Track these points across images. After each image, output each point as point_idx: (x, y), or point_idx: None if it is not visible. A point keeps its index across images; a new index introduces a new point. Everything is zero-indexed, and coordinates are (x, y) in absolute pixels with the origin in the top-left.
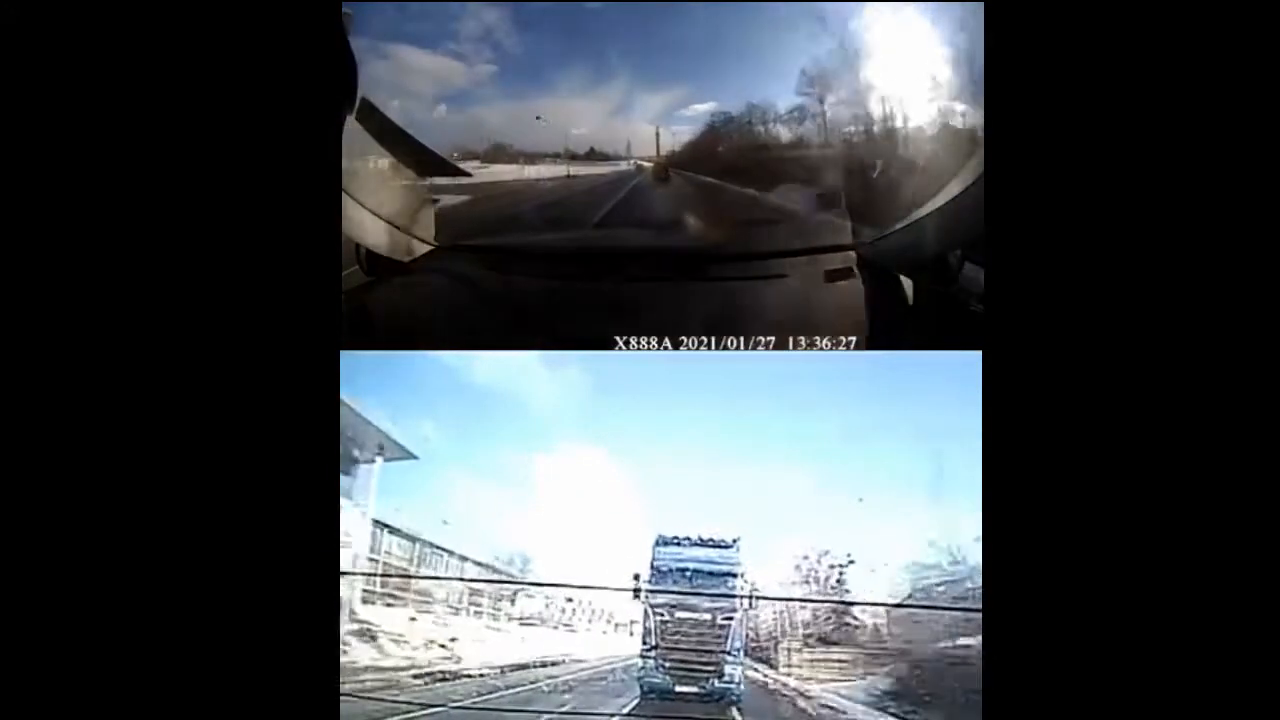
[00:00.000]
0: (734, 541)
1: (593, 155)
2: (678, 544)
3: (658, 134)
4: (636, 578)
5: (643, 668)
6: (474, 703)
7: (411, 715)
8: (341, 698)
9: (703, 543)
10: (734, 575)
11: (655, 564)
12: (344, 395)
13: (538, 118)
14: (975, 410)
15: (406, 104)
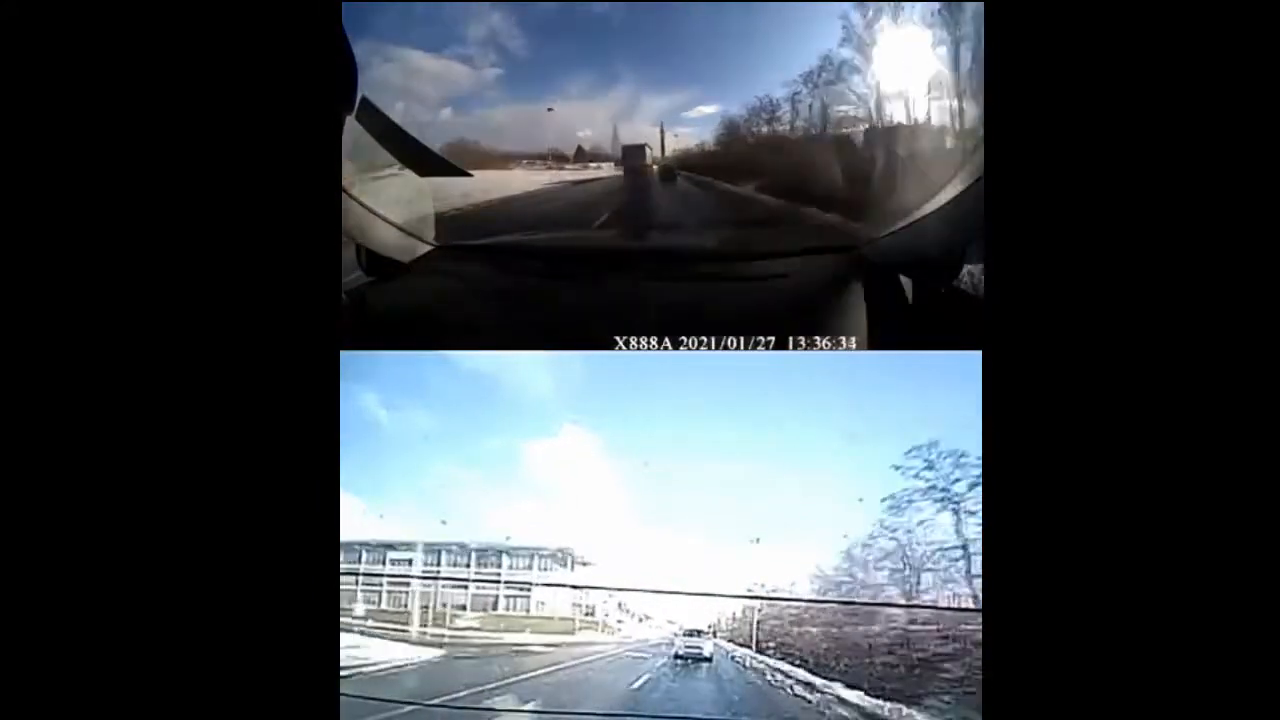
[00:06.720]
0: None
1: (596, 156)
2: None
3: (630, 135)
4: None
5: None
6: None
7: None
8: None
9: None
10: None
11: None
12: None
13: (549, 109)
14: (975, 410)
15: (411, 107)
